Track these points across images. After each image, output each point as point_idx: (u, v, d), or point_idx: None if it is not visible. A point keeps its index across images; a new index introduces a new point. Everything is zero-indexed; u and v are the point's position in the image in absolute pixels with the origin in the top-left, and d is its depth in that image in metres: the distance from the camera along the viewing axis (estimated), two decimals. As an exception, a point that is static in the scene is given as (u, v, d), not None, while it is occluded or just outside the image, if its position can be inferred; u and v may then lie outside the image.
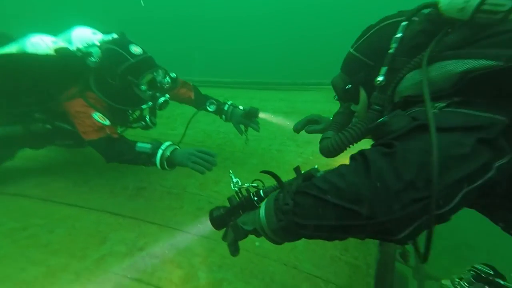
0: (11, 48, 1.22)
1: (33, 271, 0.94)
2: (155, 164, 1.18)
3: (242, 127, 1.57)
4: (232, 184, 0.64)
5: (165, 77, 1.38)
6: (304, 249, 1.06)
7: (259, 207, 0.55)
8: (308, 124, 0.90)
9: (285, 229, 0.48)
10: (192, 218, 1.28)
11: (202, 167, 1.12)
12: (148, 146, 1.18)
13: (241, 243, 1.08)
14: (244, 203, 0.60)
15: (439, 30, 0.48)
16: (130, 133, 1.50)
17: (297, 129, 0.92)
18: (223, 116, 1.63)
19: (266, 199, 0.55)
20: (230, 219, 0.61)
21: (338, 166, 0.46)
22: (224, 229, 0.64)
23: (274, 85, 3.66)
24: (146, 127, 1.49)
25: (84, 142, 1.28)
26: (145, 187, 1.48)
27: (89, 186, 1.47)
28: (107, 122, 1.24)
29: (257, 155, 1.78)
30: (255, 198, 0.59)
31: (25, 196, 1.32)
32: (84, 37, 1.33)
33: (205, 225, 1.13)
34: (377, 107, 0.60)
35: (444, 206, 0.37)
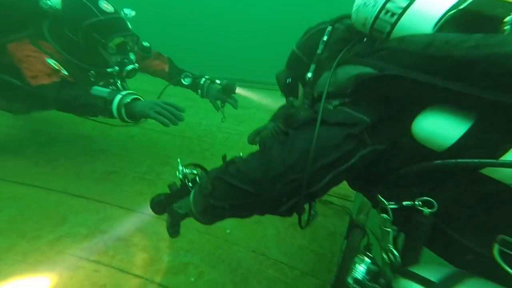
0: None
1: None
2: (111, 112, 1.04)
3: (219, 103, 1.47)
4: (177, 172, 0.68)
5: (136, 45, 1.28)
6: (274, 238, 1.09)
7: (191, 192, 0.62)
8: (258, 135, 0.94)
9: (206, 210, 0.56)
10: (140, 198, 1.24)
11: (165, 119, 1.02)
12: (106, 90, 1.08)
13: (211, 230, 1.10)
14: (180, 190, 0.66)
15: (355, 37, 0.59)
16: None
17: (250, 141, 0.95)
18: (199, 91, 1.49)
19: (198, 183, 0.63)
20: (170, 204, 0.66)
21: (250, 153, 0.55)
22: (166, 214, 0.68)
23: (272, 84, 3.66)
24: None
25: (35, 104, 1.14)
26: (116, 171, 1.42)
27: (52, 166, 1.37)
28: (64, 71, 1.11)
29: (238, 148, 1.80)
30: (190, 184, 0.65)
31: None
32: None
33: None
34: (306, 100, 0.68)
35: (314, 186, 0.48)
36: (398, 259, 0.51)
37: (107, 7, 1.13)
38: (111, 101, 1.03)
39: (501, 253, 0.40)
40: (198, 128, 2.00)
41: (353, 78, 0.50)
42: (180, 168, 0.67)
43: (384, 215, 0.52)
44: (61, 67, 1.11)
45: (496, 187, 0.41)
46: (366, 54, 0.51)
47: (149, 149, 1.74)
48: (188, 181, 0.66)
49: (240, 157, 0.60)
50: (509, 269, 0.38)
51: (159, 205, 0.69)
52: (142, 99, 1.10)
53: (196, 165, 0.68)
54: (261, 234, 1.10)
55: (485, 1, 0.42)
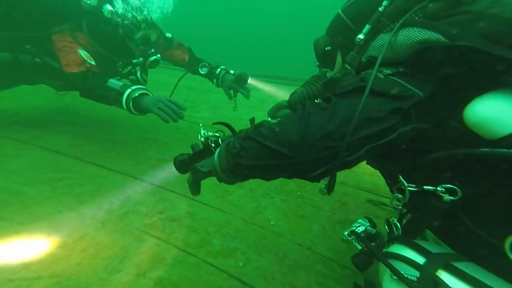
0: None
1: (67, 215, 1.04)
2: (121, 104, 1.15)
3: (232, 92, 1.55)
4: (199, 135, 0.70)
5: (158, 38, 1.39)
6: (319, 234, 1.07)
7: (215, 152, 0.61)
8: (280, 109, 0.91)
9: (232, 168, 0.55)
10: (211, 192, 1.33)
11: (166, 115, 1.12)
12: (120, 83, 1.19)
13: (256, 221, 1.12)
14: (203, 150, 0.68)
15: None
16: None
17: (271, 116, 0.92)
18: (214, 80, 1.60)
19: (224, 142, 0.62)
20: (193, 163, 0.67)
21: (285, 115, 0.54)
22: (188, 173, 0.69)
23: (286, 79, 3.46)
24: (137, 82, 1.48)
25: (67, 85, 1.30)
26: (167, 159, 1.56)
27: (116, 152, 1.58)
28: (92, 62, 1.25)
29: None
30: (213, 145, 0.66)
31: (62, 154, 1.45)
32: None
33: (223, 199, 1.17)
34: (348, 67, 0.62)
35: (349, 156, 0.46)
36: (400, 231, 0.52)
37: (135, 2, 1.23)
38: (122, 94, 1.14)
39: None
40: (238, 123, 2.07)
41: (416, 44, 0.45)
42: (202, 131, 0.69)
43: (399, 195, 0.51)
44: (91, 57, 1.26)
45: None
46: (441, 17, 0.44)
47: (194, 140, 1.86)
48: (211, 142, 0.67)
49: (269, 121, 0.61)
50: None
51: (182, 164, 0.70)
52: (150, 94, 1.19)
53: (222, 124, 0.68)
54: (306, 229, 1.09)
55: None
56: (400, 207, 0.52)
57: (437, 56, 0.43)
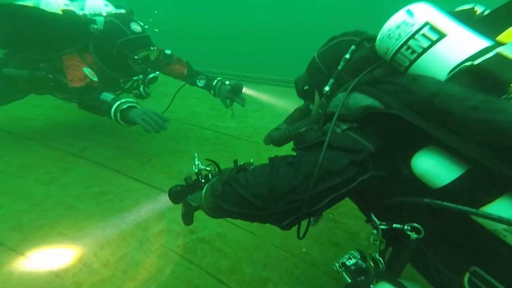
0: (28, 2, 1.41)
1: (110, 232, 1.12)
2: (110, 115, 1.27)
3: (228, 101, 1.67)
4: (193, 166, 0.77)
5: (158, 56, 1.54)
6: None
7: (203, 188, 0.68)
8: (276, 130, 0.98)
9: (216, 209, 0.62)
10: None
11: (149, 126, 1.22)
12: (111, 96, 1.30)
13: (287, 247, 1.07)
14: (195, 184, 0.74)
15: (376, 61, 0.59)
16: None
17: (267, 143, 0.95)
18: (212, 91, 1.72)
19: (209, 182, 0.69)
20: (185, 196, 0.74)
21: (258, 165, 0.62)
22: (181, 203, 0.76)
23: (276, 81, 3.54)
24: (140, 96, 1.63)
25: (73, 98, 1.46)
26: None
27: (150, 165, 1.67)
28: (95, 78, 1.40)
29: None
30: (203, 180, 0.73)
31: (104, 166, 1.58)
32: (95, 6, 1.50)
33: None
34: (321, 111, 0.70)
35: (313, 206, 0.52)
36: (383, 267, 0.57)
37: (136, 28, 1.41)
38: (111, 106, 1.26)
39: (470, 281, 0.45)
40: (264, 133, 2.02)
41: (362, 108, 0.53)
42: (196, 162, 0.76)
43: (375, 231, 0.56)
44: (94, 74, 1.41)
45: (477, 227, 0.44)
46: (381, 81, 0.54)
47: (222, 153, 1.88)
48: (202, 178, 0.74)
49: (251, 164, 0.69)
50: None
51: (176, 195, 0.78)
52: (138, 107, 1.30)
53: (211, 162, 0.76)
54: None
55: (498, 61, 0.42)
56: (377, 243, 0.58)
57: (379, 119, 0.51)
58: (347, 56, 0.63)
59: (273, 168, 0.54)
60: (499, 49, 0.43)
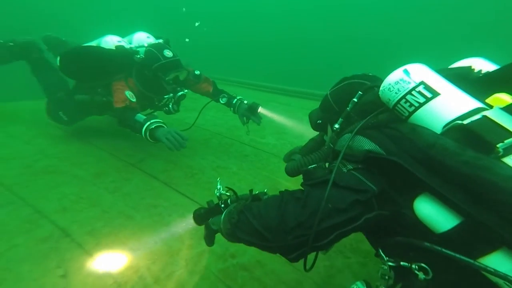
0: (93, 42, 1.88)
1: (160, 247, 1.22)
2: (141, 133, 1.51)
3: (245, 119, 1.90)
4: (216, 190, 0.83)
5: (187, 76, 1.83)
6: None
7: (223, 213, 0.74)
8: (293, 154, 1.06)
9: (232, 235, 0.67)
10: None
11: (171, 145, 1.42)
12: (143, 117, 1.55)
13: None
14: (215, 208, 0.80)
15: (382, 105, 0.63)
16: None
17: (286, 160, 1.06)
18: (231, 108, 1.97)
19: (227, 208, 0.75)
20: (207, 218, 0.81)
21: (270, 196, 0.68)
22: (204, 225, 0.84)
23: (276, 90, 3.79)
24: (169, 112, 1.92)
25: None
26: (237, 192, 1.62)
27: (194, 179, 1.77)
28: (133, 99, 1.70)
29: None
30: (222, 206, 0.79)
31: (156, 179, 1.76)
32: (140, 39, 1.87)
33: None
34: (331, 145, 0.76)
35: (319, 241, 0.56)
36: None
37: (168, 54, 1.70)
38: (143, 125, 1.51)
39: None
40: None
41: (365, 151, 0.58)
42: (218, 186, 0.83)
43: (384, 266, 0.57)
44: (133, 96, 1.72)
45: (482, 277, 0.44)
46: (385, 126, 0.59)
47: (260, 171, 1.87)
48: (222, 203, 0.79)
49: (265, 194, 0.77)
50: None
51: (199, 218, 0.85)
52: (164, 127, 1.52)
53: (230, 189, 0.83)
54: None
55: (485, 124, 0.46)
56: (386, 278, 0.57)
57: (380, 163, 0.56)
58: (355, 99, 0.70)
59: (282, 203, 0.59)
60: (486, 112, 0.47)
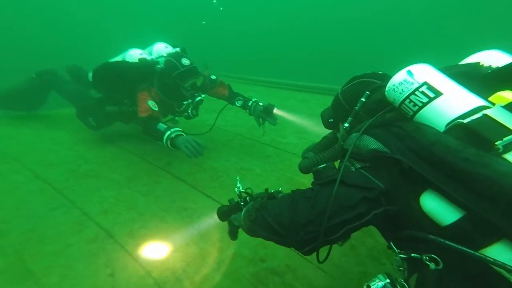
0: (119, 57, 2.08)
1: (193, 249, 1.28)
2: (162, 141, 1.64)
3: (261, 120, 2.00)
4: (236, 188, 0.91)
5: (204, 81, 1.95)
6: None
7: (243, 210, 0.80)
8: (308, 151, 1.08)
9: (251, 230, 0.74)
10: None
11: (190, 152, 1.56)
12: (164, 127, 1.68)
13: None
14: (236, 205, 0.87)
15: (389, 104, 0.65)
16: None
17: (304, 155, 1.09)
18: (247, 110, 2.07)
19: (246, 206, 0.80)
20: (230, 215, 0.89)
21: (284, 195, 0.74)
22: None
23: (293, 86, 3.74)
24: (188, 117, 2.00)
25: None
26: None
27: (219, 182, 1.82)
28: (156, 108, 1.81)
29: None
30: (242, 203, 0.85)
31: (184, 182, 1.84)
32: (159, 50, 2.02)
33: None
34: (342, 143, 0.81)
35: (330, 236, 0.60)
36: None
37: (186, 62, 1.82)
38: (164, 134, 1.64)
39: None
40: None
41: (371, 150, 0.62)
42: (238, 185, 0.91)
43: (396, 258, 0.60)
44: (155, 105, 1.82)
45: (487, 267, 0.46)
46: (391, 125, 0.61)
47: (283, 172, 1.86)
48: (241, 201, 0.86)
49: (279, 192, 0.80)
50: None
51: (222, 214, 0.91)
52: (184, 135, 1.64)
53: (248, 188, 0.90)
54: None
55: (485, 122, 0.47)
56: (401, 269, 0.61)
57: (385, 161, 0.58)
58: (363, 99, 0.73)
59: (294, 202, 0.64)
60: (487, 111, 0.48)
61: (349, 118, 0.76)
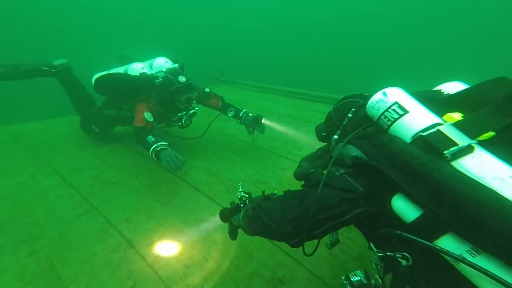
0: (122, 68, 2.21)
1: (211, 265, 1.29)
2: (149, 151, 1.78)
3: (250, 129, 2.19)
4: (238, 193, 0.98)
5: (198, 95, 2.16)
6: None
7: (242, 211, 0.90)
8: (303, 161, 1.17)
9: (248, 227, 0.83)
10: (328, 266, 1.23)
11: (169, 166, 1.67)
12: (153, 140, 1.81)
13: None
14: (237, 208, 0.97)
15: (371, 120, 0.75)
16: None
17: (300, 163, 1.17)
18: (238, 120, 2.25)
19: (245, 207, 0.89)
20: (231, 216, 0.98)
21: (278, 196, 0.84)
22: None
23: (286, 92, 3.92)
24: (182, 127, 2.15)
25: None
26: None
27: (236, 194, 1.83)
28: (150, 120, 1.97)
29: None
30: (242, 205, 0.95)
31: (200, 192, 1.86)
32: (159, 64, 2.19)
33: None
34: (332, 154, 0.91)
35: (313, 231, 0.69)
36: (380, 284, 0.70)
37: (182, 79, 1.98)
38: (151, 147, 1.77)
39: None
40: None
41: (352, 157, 0.71)
42: (240, 190, 0.98)
43: (375, 257, 0.69)
44: (151, 116, 1.99)
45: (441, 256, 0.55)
46: (371, 137, 0.71)
47: (298, 186, 1.84)
48: (242, 203, 0.95)
49: (274, 194, 0.90)
50: None
51: (224, 216, 1.01)
52: (169, 149, 1.76)
53: (248, 192, 0.98)
54: None
55: (437, 136, 0.58)
56: (378, 267, 0.70)
57: (364, 167, 0.68)
58: (350, 115, 0.85)
59: (284, 200, 0.75)
60: (440, 127, 0.60)
61: (338, 131, 0.87)
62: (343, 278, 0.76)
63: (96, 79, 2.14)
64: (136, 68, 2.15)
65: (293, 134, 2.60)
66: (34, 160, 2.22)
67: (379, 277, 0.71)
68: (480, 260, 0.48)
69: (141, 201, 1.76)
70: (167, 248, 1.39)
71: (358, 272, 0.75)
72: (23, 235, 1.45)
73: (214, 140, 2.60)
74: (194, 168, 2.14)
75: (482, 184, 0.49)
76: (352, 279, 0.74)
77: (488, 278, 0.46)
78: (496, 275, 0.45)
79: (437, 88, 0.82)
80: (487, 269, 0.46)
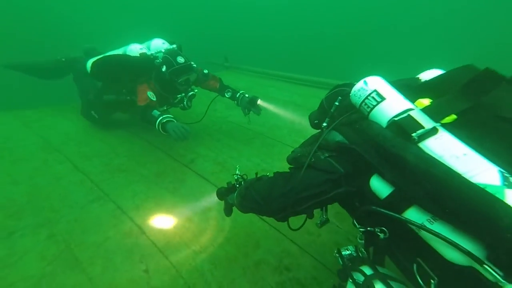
0: (119, 50, 2.14)
1: (219, 252, 1.33)
2: (155, 126, 1.81)
3: (246, 110, 2.19)
4: (234, 174, 1.07)
5: (197, 77, 2.17)
6: None
7: (236, 190, 0.99)
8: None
9: (241, 205, 0.92)
10: (332, 252, 1.25)
11: (176, 136, 1.73)
12: (158, 113, 1.85)
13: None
14: (232, 187, 1.07)
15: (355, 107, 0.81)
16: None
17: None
18: (235, 101, 2.25)
19: (240, 187, 0.99)
20: (227, 195, 1.07)
21: (269, 177, 0.91)
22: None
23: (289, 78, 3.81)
24: (184, 108, 2.18)
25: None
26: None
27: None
28: (154, 99, 1.99)
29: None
30: (237, 185, 1.04)
31: (207, 181, 1.87)
32: (157, 46, 2.13)
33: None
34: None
35: (298, 207, 0.77)
36: (365, 255, 0.81)
37: (181, 60, 1.97)
38: (157, 119, 1.81)
39: (418, 270, 0.62)
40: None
41: (336, 142, 0.79)
42: (237, 172, 1.07)
43: (359, 232, 0.77)
44: (154, 95, 2.00)
45: (409, 227, 0.62)
46: (354, 122, 0.77)
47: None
48: (237, 183, 1.05)
49: (266, 176, 0.95)
50: (419, 280, 0.61)
51: (220, 194, 1.10)
52: (174, 121, 1.82)
53: (241, 177, 1.06)
54: None
55: (408, 120, 0.64)
56: (362, 241, 0.79)
57: (345, 151, 0.76)
58: (337, 103, 0.91)
59: (273, 180, 0.84)
60: (411, 112, 0.66)
61: (327, 119, 0.93)
62: (335, 251, 0.83)
63: (93, 62, 2.05)
64: (135, 49, 2.08)
65: (299, 123, 2.53)
66: (46, 145, 2.26)
67: (364, 250, 0.80)
68: (437, 226, 0.56)
69: (150, 189, 1.79)
70: (176, 234, 1.43)
71: (350, 247, 0.84)
72: (40, 219, 1.51)
73: (219, 129, 2.57)
74: (200, 156, 2.14)
75: (440, 162, 0.55)
76: (343, 252, 0.82)
77: (441, 241, 0.53)
78: (446, 236, 0.53)
79: (419, 76, 0.86)
80: (440, 233, 0.54)
